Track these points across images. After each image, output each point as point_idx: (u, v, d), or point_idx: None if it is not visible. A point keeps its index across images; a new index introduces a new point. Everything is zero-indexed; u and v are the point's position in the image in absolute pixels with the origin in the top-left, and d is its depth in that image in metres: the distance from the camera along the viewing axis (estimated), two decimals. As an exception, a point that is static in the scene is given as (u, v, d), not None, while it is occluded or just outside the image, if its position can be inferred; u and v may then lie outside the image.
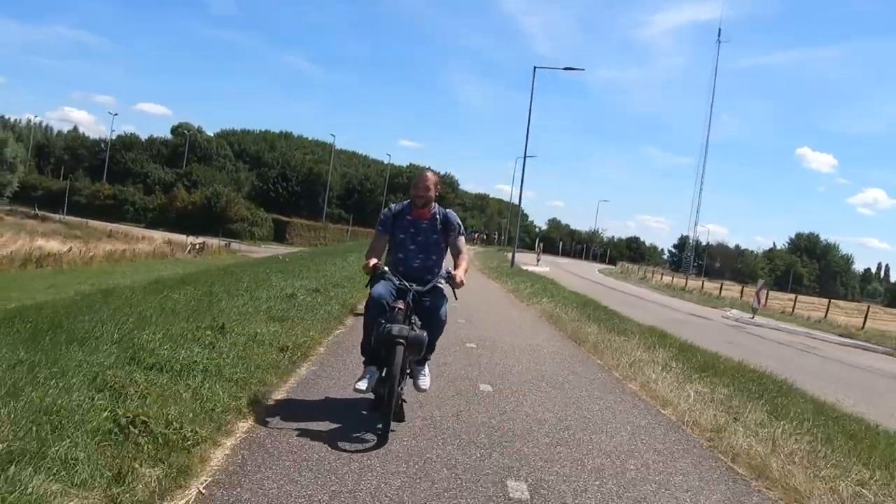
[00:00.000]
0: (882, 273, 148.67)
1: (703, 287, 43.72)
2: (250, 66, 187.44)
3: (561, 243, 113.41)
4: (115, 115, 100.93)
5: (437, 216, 5.62)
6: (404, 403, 5.38)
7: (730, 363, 10.44)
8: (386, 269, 5.36)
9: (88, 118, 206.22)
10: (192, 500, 3.49)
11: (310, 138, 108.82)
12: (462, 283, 5.46)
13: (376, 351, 5.15)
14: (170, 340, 5.77)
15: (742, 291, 30.92)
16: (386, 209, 5.84)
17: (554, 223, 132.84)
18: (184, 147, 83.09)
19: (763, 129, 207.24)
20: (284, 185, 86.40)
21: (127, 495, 3.23)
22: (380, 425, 4.98)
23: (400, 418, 5.26)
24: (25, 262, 32.32)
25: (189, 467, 3.74)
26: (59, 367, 4.30)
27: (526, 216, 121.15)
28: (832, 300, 39.86)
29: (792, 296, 44.22)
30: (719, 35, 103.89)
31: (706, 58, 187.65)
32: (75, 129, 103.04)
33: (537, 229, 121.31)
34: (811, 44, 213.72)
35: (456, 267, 5.58)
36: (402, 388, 5.19)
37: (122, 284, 13.17)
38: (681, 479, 4.91)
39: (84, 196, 69.64)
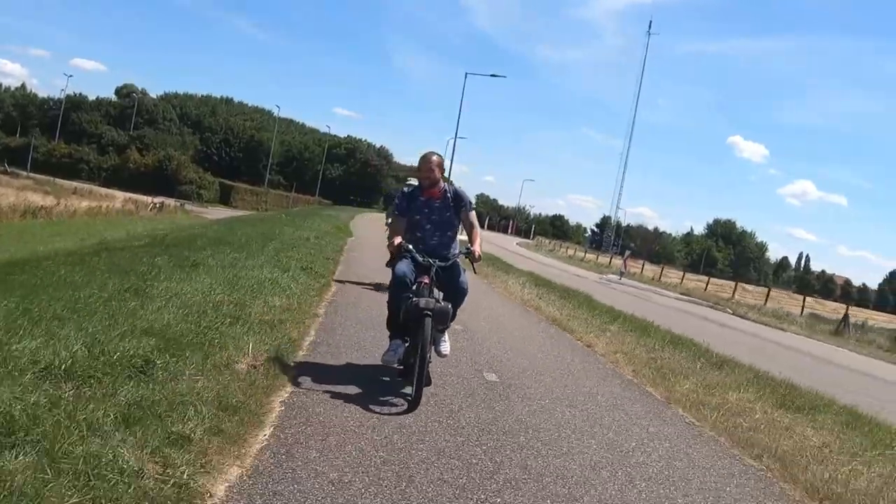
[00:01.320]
0: (803, 263, 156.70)
1: (597, 258, 53.16)
2: (189, 26, 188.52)
3: (488, 218, 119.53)
4: (70, 77, 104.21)
5: (448, 194, 6.07)
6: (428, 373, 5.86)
7: (561, 285, 18.51)
8: (410, 247, 5.80)
9: (22, 72, 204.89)
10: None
11: (249, 104, 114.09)
12: (480, 258, 6.04)
13: (401, 324, 5.65)
14: (290, 248, 13.39)
15: (625, 263, 39.56)
16: (399, 194, 6.60)
17: (482, 198, 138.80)
18: (131, 109, 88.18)
19: (698, 115, 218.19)
20: (227, 150, 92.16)
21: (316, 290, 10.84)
22: (407, 389, 5.53)
23: (428, 382, 5.69)
24: (25, 214, 38.31)
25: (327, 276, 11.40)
26: (254, 260, 11.77)
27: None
28: (739, 283, 48.01)
29: (681, 273, 53.32)
30: (650, 27, 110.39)
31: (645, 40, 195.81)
32: (23, 86, 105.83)
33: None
34: (750, 34, 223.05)
35: (472, 242, 6.11)
36: (430, 357, 5.67)
37: (157, 232, 20.40)
38: (524, 321, 12.64)
39: (41, 154, 74.54)
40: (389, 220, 10.69)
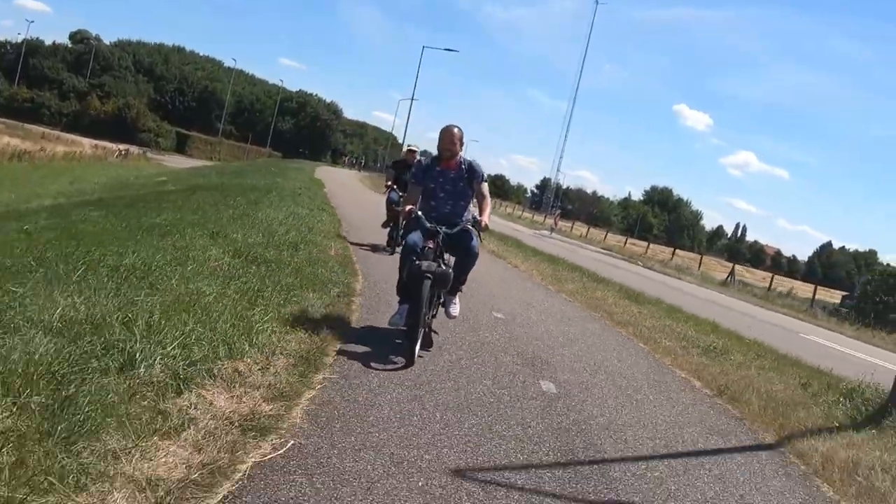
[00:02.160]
0: (739, 233, 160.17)
1: (533, 217, 59.33)
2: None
3: None
4: (31, 23, 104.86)
5: (463, 166, 6.49)
6: (434, 334, 6.52)
7: (500, 233, 23.87)
8: (419, 213, 6.31)
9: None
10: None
11: (201, 54, 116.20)
12: (487, 227, 6.51)
13: (408, 287, 6.04)
14: (296, 195, 18.41)
15: (555, 220, 45.47)
16: (417, 163, 7.11)
17: (425, 155, 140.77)
18: (87, 55, 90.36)
19: (645, 82, 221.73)
20: (181, 99, 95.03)
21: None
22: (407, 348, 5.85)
23: (428, 344, 6.26)
24: (11, 157, 41.76)
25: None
26: (287, 203, 16.73)
27: (400, 146, 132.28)
28: (675, 248, 53.16)
29: (623, 238, 59.32)
30: None
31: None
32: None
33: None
34: (702, 4, 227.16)
35: (481, 213, 6.58)
36: (431, 319, 6.27)
37: (153, 178, 24.96)
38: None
39: (3, 98, 76.79)
40: (389, 183, 13.03)
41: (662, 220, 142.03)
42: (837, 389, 8.11)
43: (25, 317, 3.96)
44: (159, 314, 4.58)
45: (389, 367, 5.46)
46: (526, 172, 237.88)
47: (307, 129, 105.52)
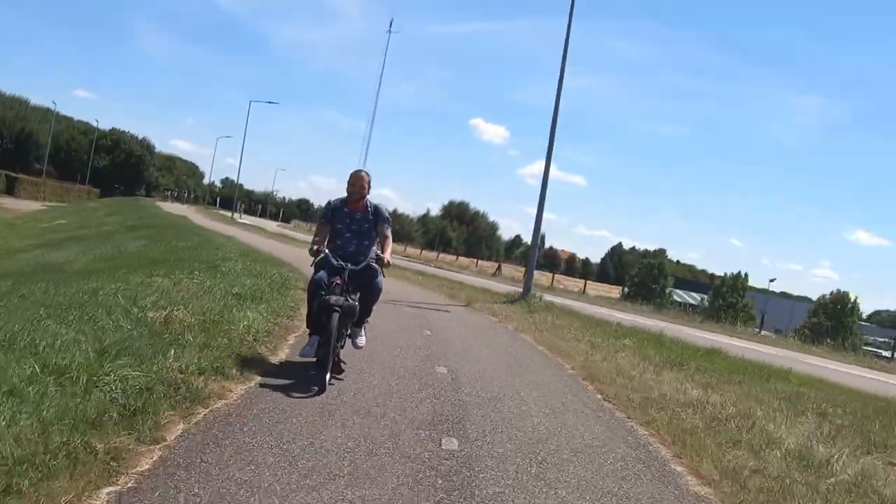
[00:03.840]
0: (538, 241, 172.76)
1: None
2: None
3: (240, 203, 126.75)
4: None
5: (369, 209, 7.19)
6: (343, 363, 7.09)
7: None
8: (327, 251, 6.91)
9: None
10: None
11: (6, 93, 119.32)
12: (389, 264, 7.15)
13: (318, 320, 6.67)
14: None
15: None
16: (327, 204, 7.46)
17: (227, 182, 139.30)
18: None
19: (441, 98, 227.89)
20: (0, 142, 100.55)
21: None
22: (316, 375, 6.47)
23: (338, 371, 6.93)
24: None
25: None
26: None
27: (203, 174, 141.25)
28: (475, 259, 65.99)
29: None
30: (390, 26, 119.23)
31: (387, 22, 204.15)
32: None
33: (217, 188, 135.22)
34: (488, 17, 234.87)
35: (383, 251, 7.18)
36: (340, 348, 6.95)
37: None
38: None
39: None
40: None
41: (461, 233, 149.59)
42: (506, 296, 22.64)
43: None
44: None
45: (306, 395, 6.09)
46: (325, 193, 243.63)
47: (123, 166, 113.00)
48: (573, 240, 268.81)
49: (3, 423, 3.78)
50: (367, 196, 7.24)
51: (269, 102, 66.35)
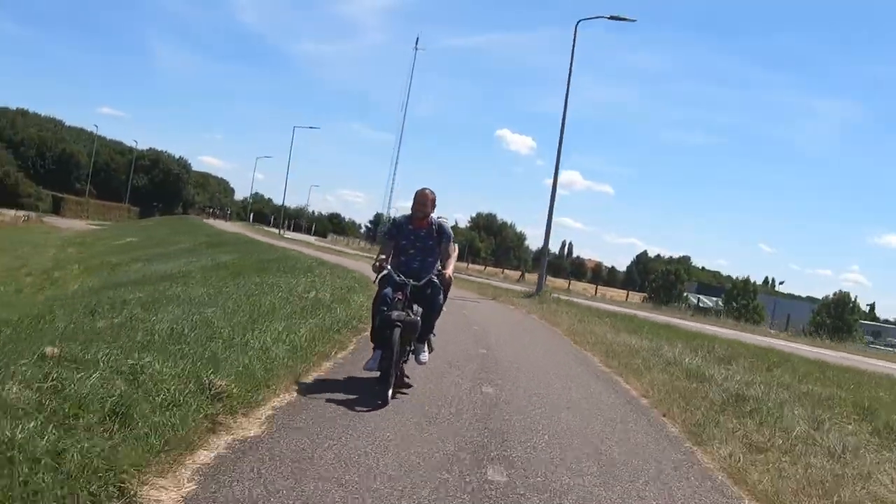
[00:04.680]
0: (566, 250, 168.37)
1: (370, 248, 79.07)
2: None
3: (273, 218, 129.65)
4: None
5: (433, 226, 7.40)
6: (407, 378, 7.27)
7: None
8: (389, 268, 7.11)
9: None
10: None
11: (42, 115, 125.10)
12: (450, 280, 7.44)
13: (381, 335, 6.90)
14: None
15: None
16: (392, 221, 8.00)
17: (258, 198, 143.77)
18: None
19: (467, 109, 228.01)
20: (42, 163, 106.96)
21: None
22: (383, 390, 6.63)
23: (403, 386, 7.11)
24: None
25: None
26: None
27: (233, 190, 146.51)
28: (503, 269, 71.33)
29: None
30: (416, 43, 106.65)
31: (410, 36, 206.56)
32: None
33: (249, 203, 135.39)
34: (508, 28, 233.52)
35: (444, 267, 7.46)
36: (404, 363, 7.19)
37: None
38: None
39: None
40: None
41: (489, 244, 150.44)
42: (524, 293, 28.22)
43: None
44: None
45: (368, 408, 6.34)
46: (352, 206, 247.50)
47: (162, 185, 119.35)
48: (602, 249, 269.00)
49: (300, 333, 8.54)
50: (432, 214, 7.42)
51: (311, 128, 70.71)
